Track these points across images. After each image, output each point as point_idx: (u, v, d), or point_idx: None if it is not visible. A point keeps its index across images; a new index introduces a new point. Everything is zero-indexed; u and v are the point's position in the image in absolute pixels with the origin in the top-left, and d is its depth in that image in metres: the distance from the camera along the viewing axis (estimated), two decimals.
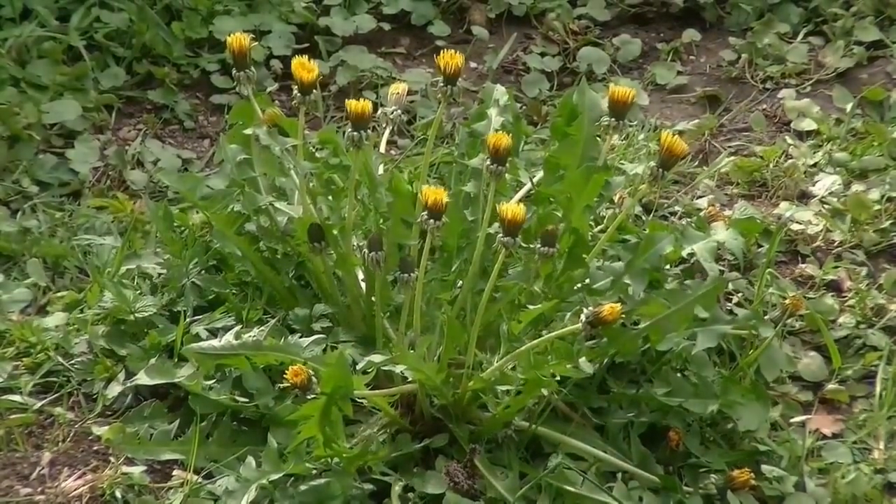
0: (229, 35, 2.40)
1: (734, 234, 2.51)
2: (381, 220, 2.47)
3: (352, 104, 2.26)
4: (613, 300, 2.22)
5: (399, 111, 2.51)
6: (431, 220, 2.18)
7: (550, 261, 2.26)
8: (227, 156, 2.54)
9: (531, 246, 2.26)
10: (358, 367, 2.12)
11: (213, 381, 2.32)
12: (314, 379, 2.08)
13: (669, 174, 2.32)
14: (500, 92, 2.65)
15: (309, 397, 2.08)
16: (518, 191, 2.52)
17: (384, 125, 2.48)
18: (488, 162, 2.23)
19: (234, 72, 2.40)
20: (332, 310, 2.45)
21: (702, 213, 2.78)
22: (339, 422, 2.12)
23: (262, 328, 2.23)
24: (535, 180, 2.57)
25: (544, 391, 2.24)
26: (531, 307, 2.28)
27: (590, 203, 2.35)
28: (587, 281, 2.36)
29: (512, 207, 2.17)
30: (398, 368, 2.17)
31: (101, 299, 2.47)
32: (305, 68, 2.34)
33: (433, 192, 2.17)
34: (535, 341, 2.21)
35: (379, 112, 2.48)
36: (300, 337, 2.19)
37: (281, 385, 2.16)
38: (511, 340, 2.26)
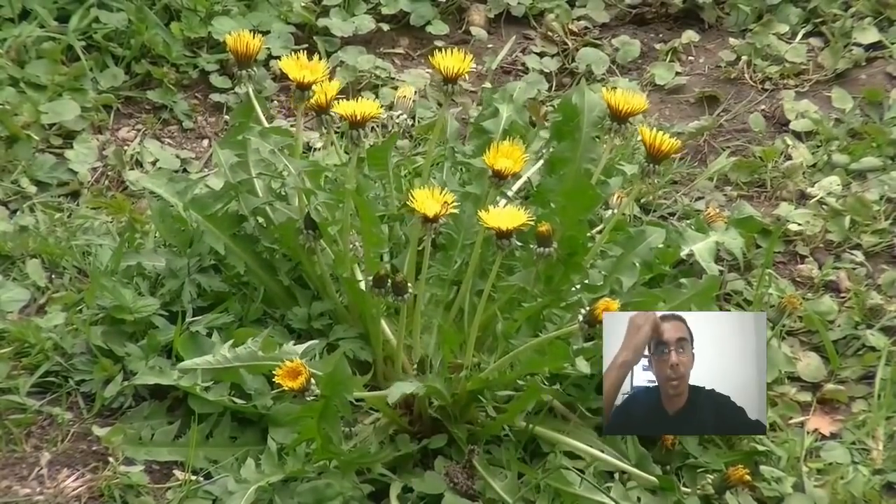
0: (229, 33, 2.40)
1: (734, 235, 2.51)
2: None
3: (342, 107, 2.26)
4: (606, 295, 2.22)
5: (406, 116, 2.52)
6: (427, 224, 2.19)
7: (549, 261, 2.26)
8: (220, 160, 2.54)
9: (531, 246, 2.26)
10: (390, 400, 2.12)
11: (211, 381, 2.31)
12: (313, 380, 2.07)
13: (661, 169, 2.33)
14: (520, 90, 2.65)
15: (308, 398, 2.07)
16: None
17: (391, 129, 2.49)
18: (490, 174, 2.23)
19: (235, 70, 2.40)
20: (331, 307, 2.44)
21: (701, 215, 2.78)
22: (337, 422, 2.12)
23: (256, 338, 2.22)
24: (529, 174, 2.57)
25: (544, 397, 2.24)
26: (527, 305, 2.29)
27: (585, 215, 2.35)
28: (586, 281, 2.36)
29: (500, 217, 2.17)
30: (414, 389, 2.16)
31: (99, 299, 2.47)
32: (307, 68, 2.34)
33: (426, 200, 2.17)
34: (534, 341, 2.22)
35: (385, 115, 2.48)
36: (299, 337, 2.19)
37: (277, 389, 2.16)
38: (507, 339, 2.26)
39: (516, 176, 2.31)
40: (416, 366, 2.23)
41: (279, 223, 2.43)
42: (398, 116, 2.51)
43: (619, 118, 2.35)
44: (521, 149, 2.29)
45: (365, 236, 2.32)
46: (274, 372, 2.08)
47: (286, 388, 2.06)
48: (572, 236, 2.28)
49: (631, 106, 2.33)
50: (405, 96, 2.53)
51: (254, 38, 2.39)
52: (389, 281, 2.20)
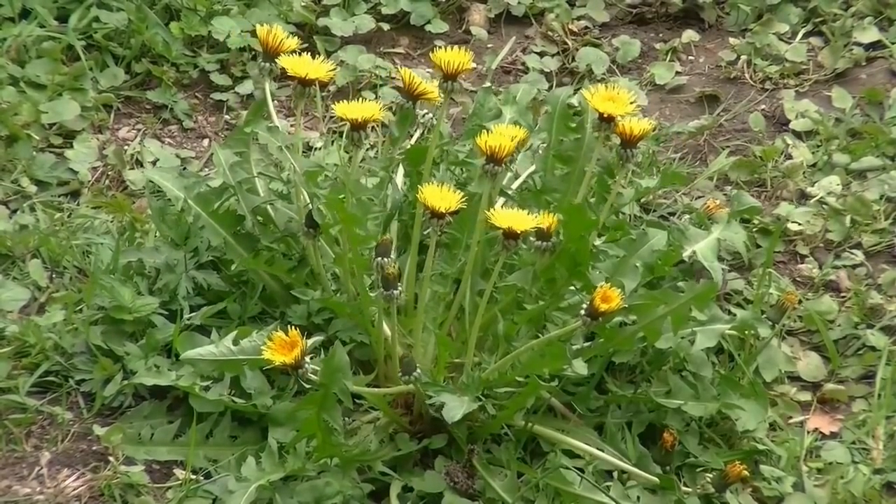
0: (259, 25, 2.41)
1: (735, 228, 2.50)
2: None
3: (344, 108, 2.27)
4: None
5: (431, 115, 2.52)
6: (434, 220, 2.19)
7: (550, 256, 2.26)
8: (220, 160, 2.54)
9: (530, 239, 2.26)
10: (450, 421, 2.12)
11: (211, 381, 2.31)
12: (308, 359, 2.06)
13: (637, 153, 2.35)
14: (524, 91, 2.66)
15: (301, 378, 2.06)
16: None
17: (416, 128, 2.50)
18: (483, 162, 2.23)
19: (260, 61, 2.40)
20: (329, 307, 2.44)
21: (700, 208, 2.77)
22: (338, 412, 2.12)
23: (261, 331, 2.22)
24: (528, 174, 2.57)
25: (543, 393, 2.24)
26: (528, 307, 2.29)
27: (586, 234, 2.34)
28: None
29: (510, 218, 2.17)
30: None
31: (98, 298, 2.47)
32: (310, 66, 2.34)
33: (435, 195, 2.17)
34: (534, 342, 2.22)
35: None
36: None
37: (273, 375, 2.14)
38: (508, 340, 2.26)
39: (510, 160, 2.29)
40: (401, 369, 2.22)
41: (241, 259, 2.45)
42: (423, 116, 2.52)
43: (602, 119, 2.35)
44: (518, 131, 2.28)
45: (348, 236, 2.31)
46: (262, 346, 2.07)
47: (278, 364, 2.04)
48: (577, 249, 2.28)
49: (613, 108, 2.32)
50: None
51: (288, 37, 2.40)
52: (391, 251, 2.19)
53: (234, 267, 2.45)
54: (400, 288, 2.19)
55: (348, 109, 2.27)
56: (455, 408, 2.10)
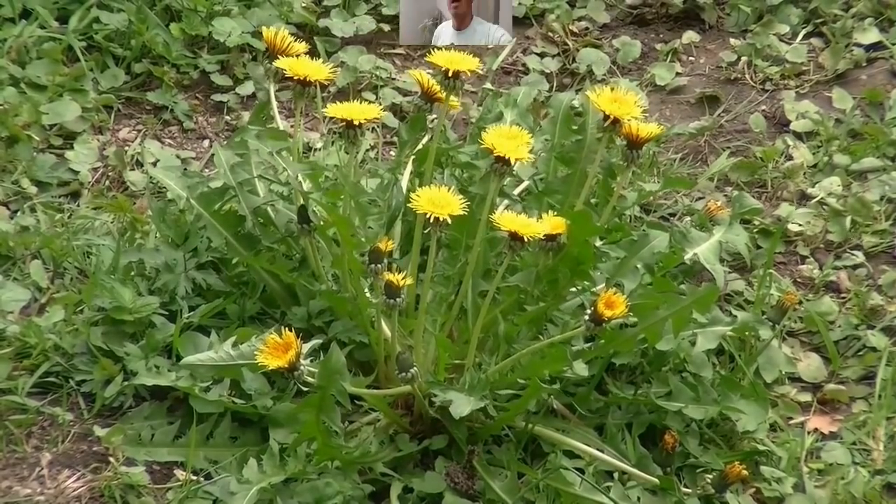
0: (265, 28, 2.43)
1: (737, 230, 2.50)
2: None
3: (338, 109, 2.27)
4: None
5: (436, 119, 2.53)
6: (436, 224, 2.19)
7: (554, 255, 2.26)
8: (221, 161, 2.54)
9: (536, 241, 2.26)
10: (456, 417, 2.12)
11: (211, 381, 2.31)
12: (304, 362, 2.06)
13: (643, 154, 2.35)
14: (524, 94, 2.66)
15: (298, 379, 2.06)
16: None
17: (425, 132, 2.51)
18: (492, 161, 2.23)
19: (265, 63, 2.41)
20: (330, 304, 2.44)
21: (701, 209, 2.77)
22: (337, 414, 2.12)
23: (261, 335, 2.22)
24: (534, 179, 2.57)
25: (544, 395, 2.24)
26: (529, 308, 2.29)
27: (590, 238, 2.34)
28: (586, 283, 2.36)
29: (515, 222, 2.17)
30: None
31: (98, 299, 2.47)
32: (309, 66, 2.35)
33: (430, 201, 2.17)
34: (537, 345, 2.22)
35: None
36: (299, 336, 2.18)
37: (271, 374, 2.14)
38: (509, 342, 2.26)
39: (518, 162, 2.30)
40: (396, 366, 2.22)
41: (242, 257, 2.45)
42: (433, 121, 2.52)
43: (608, 120, 2.35)
44: (526, 134, 2.28)
45: (343, 240, 2.31)
46: (257, 352, 2.07)
47: (272, 368, 2.04)
48: (580, 252, 2.28)
49: (619, 110, 2.32)
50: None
51: (296, 41, 2.41)
52: (384, 258, 2.18)
53: (235, 261, 2.44)
54: (403, 296, 2.19)
55: (338, 109, 2.28)
56: (462, 404, 2.10)
